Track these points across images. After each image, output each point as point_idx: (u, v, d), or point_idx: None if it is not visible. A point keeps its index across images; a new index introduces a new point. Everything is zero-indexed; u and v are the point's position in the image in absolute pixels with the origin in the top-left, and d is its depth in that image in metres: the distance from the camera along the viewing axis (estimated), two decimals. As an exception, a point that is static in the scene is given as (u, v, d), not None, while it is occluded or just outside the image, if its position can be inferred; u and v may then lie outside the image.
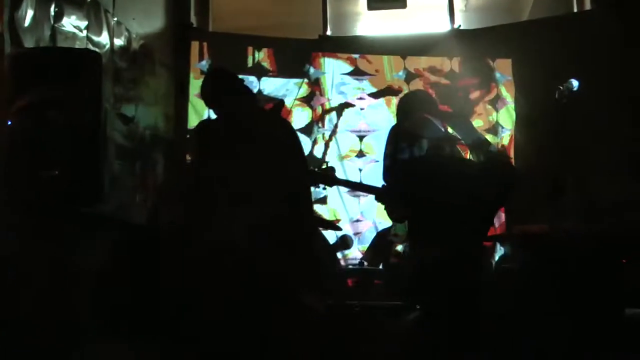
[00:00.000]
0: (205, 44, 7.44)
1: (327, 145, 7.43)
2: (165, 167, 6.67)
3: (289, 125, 4.80)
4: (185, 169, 5.78)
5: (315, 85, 7.53)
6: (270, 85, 7.44)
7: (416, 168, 4.41)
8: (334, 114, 7.51)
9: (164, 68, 6.92)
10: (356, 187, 4.74)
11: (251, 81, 7.26)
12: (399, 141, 4.58)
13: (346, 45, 7.58)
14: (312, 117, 7.49)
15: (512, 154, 7.06)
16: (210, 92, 4.61)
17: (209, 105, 4.72)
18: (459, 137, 4.51)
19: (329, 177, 4.52)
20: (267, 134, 4.37)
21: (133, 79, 6.09)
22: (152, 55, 6.60)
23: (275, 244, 4.03)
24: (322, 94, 7.51)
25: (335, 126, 7.45)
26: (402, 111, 4.87)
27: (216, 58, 7.35)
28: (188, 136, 6.85)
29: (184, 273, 3.90)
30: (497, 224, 6.69)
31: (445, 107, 6.57)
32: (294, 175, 4.35)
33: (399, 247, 6.06)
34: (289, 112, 7.29)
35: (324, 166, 4.56)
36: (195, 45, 7.40)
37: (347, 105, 7.50)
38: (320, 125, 7.48)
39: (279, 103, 4.81)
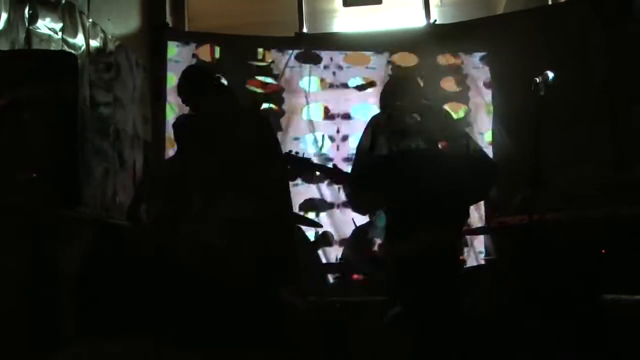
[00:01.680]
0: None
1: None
2: (144, 167, 6.67)
3: (265, 122, 4.80)
4: (163, 166, 5.72)
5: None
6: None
7: (393, 160, 4.38)
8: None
9: (140, 69, 6.90)
10: (329, 173, 4.66)
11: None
12: (377, 132, 4.55)
13: (323, 42, 7.60)
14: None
15: (490, 147, 7.09)
16: (186, 90, 4.63)
17: (186, 103, 4.70)
18: (437, 129, 4.47)
19: (304, 161, 4.49)
20: (241, 132, 4.38)
21: (109, 80, 6.08)
22: (128, 56, 6.58)
23: (250, 241, 4.06)
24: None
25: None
26: (383, 100, 4.85)
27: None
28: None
29: (161, 270, 3.97)
30: (476, 217, 6.71)
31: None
32: (268, 172, 4.36)
33: (378, 242, 6.10)
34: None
35: (298, 152, 4.54)
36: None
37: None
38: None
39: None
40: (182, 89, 4.65)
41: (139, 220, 4.65)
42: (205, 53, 7.44)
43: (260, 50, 7.52)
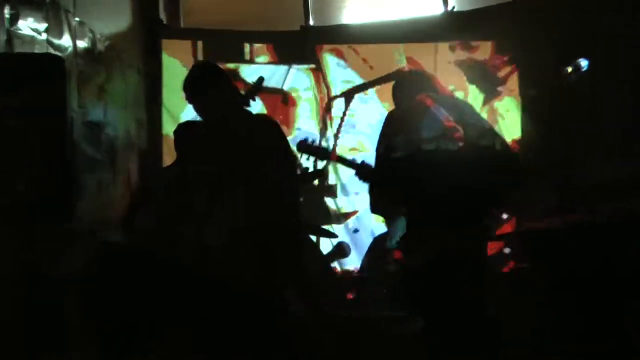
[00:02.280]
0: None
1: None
2: (140, 175, 6.70)
3: (277, 128, 4.73)
4: (161, 175, 5.79)
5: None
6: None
7: (413, 160, 4.42)
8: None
9: (133, 69, 6.91)
10: (354, 166, 4.59)
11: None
12: (394, 130, 4.63)
13: (332, 35, 7.61)
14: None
15: (518, 144, 7.06)
16: (192, 88, 4.59)
17: (190, 102, 4.64)
18: (458, 123, 4.47)
19: (321, 150, 4.62)
20: (251, 140, 4.41)
21: (100, 83, 6.06)
22: (119, 56, 6.57)
23: (256, 254, 4.12)
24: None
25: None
26: (398, 94, 4.88)
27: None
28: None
29: (163, 281, 4.03)
30: (504, 221, 6.75)
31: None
32: (277, 181, 4.37)
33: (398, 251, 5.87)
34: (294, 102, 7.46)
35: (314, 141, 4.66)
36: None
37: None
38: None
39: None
40: (189, 86, 4.60)
41: (134, 232, 4.78)
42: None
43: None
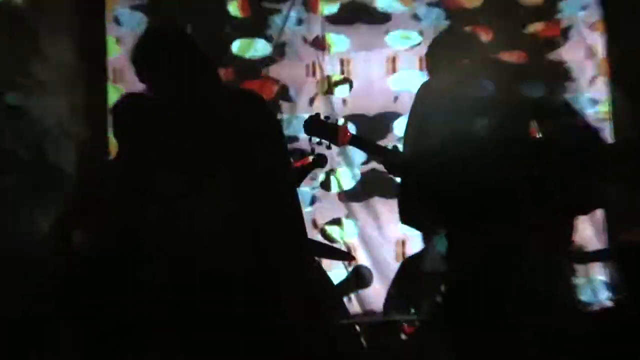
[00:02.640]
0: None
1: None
2: (77, 175, 6.25)
3: (261, 104, 4.39)
4: (102, 173, 5.20)
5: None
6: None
7: (456, 149, 4.00)
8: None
9: (66, 35, 6.38)
10: (380, 153, 4.33)
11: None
12: (429, 107, 4.28)
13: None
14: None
15: (607, 123, 6.55)
16: (143, 60, 4.15)
17: (142, 78, 4.19)
18: (519, 100, 4.05)
19: (342, 128, 4.31)
20: (226, 121, 4.06)
21: (18, 54, 5.85)
22: (45, 15, 6.15)
23: (245, 247, 3.85)
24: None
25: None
26: (434, 60, 4.48)
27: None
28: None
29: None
30: (591, 233, 6.21)
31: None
32: (268, 168, 4.06)
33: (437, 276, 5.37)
34: None
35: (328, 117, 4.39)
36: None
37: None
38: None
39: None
40: (139, 57, 4.18)
41: (70, 248, 4.37)
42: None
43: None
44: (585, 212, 4.61)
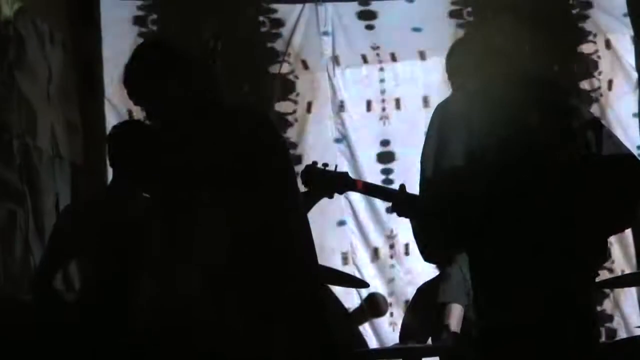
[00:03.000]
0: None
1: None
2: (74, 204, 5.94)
3: (268, 126, 4.26)
4: (93, 206, 4.94)
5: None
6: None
7: (479, 172, 3.68)
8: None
9: (60, 48, 6.27)
10: (388, 197, 3.96)
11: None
12: (449, 127, 3.89)
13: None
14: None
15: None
16: (137, 82, 4.04)
17: (137, 102, 4.13)
18: (549, 116, 3.76)
19: (339, 178, 3.94)
20: (231, 147, 3.92)
21: (8, 66, 5.51)
22: (36, 26, 5.94)
23: (254, 317, 3.70)
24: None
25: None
26: (453, 73, 4.13)
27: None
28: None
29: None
30: (621, 257, 6.46)
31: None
32: (280, 208, 3.92)
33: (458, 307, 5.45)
34: None
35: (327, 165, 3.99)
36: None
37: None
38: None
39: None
40: (132, 80, 4.05)
41: (54, 295, 4.42)
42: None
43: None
44: (615, 232, 4.37)
